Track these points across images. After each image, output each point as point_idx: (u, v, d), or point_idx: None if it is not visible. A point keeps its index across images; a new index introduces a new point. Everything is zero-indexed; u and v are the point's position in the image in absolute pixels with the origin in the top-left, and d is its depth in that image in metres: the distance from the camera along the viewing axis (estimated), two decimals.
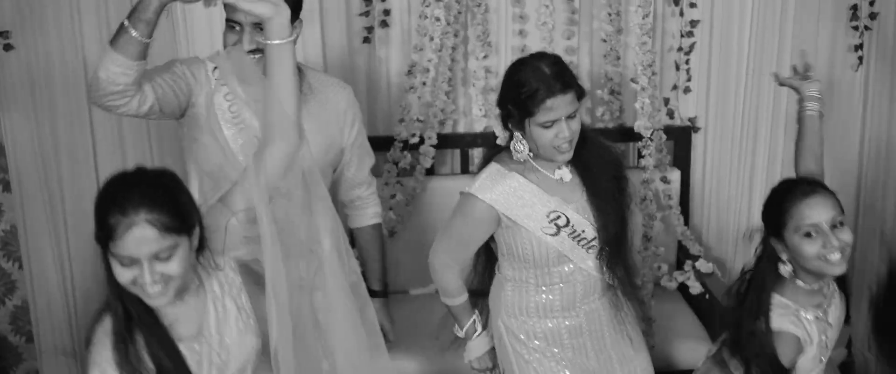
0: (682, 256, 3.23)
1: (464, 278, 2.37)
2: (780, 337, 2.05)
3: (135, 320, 1.66)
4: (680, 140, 3.27)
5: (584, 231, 2.20)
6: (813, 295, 2.10)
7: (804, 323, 2.07)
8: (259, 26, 2.13)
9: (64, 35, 3.01)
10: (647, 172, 3.08)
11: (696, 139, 3.32)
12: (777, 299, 2.08)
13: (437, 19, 3.04)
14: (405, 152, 3.17)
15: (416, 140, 3.15)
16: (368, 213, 2.64)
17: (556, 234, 2.18)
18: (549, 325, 2.27)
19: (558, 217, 2.18)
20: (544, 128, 2.08)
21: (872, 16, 3.21)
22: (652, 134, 3.06)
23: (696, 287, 3.12)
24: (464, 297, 2.36)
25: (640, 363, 2.37)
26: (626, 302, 2.31)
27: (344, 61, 3.21)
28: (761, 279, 2.10)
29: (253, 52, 2.15)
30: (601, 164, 2.23)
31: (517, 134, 2.16)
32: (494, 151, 2.30)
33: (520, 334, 2.29)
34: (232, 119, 2.26)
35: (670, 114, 3.27)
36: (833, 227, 2.00)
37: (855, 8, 3.21)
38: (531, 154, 2.18)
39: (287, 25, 1.76)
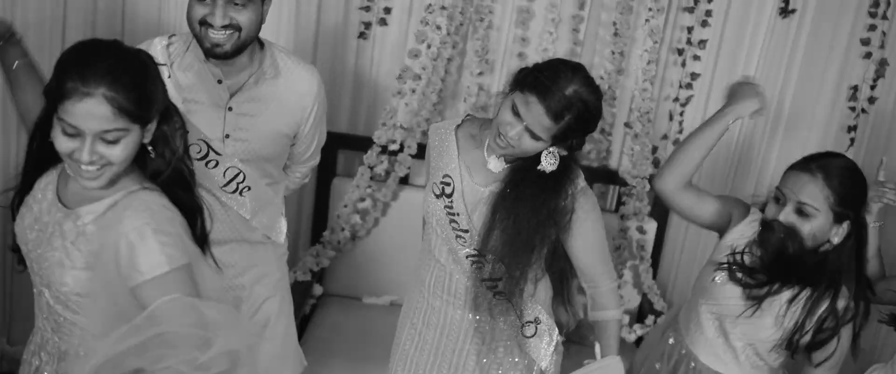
0: (646, 308, 3.17)
1: None
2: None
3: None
4: None
5: (458, 216, 2.09)
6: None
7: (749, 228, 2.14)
8: (234, 1, 2.02)
9: None
10: (625, 220, 3.02)
11: None
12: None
13: (438, 28, 2.95)
14: (382, 157, 3.07)
15: (395, 147, 3.05)
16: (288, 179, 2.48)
17: (439, 197, 2.11)
18: (412, 294, 2.25)
19: (447, 184, 2.10)
20: (512, 109, 1.94)
21: (871, 100, 3.19)
22: (636, 182, 3.00)
23: None
24: None
25: None
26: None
27: (336, 53, 3.11)
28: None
29: (225, 27, 2.05)
30: (539, 201, 2.01)
31: (504, 94, 2.04)
32: None
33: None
34: None
35: (656, 163, 3.21)
36: (799, 210, 1.99)
37: (855, 89, 3.18)
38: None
39: None
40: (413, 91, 3.02)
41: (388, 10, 3.06)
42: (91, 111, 1.48)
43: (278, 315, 2.39)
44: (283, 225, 2.38)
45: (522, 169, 2.03)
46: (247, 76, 2.17)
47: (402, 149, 3.06)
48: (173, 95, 2.10)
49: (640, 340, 3.14)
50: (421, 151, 3.07)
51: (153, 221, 1.55)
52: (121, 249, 1.53)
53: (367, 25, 3.07)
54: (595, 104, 1.93)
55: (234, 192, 2.20)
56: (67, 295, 1.62)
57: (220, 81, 2.15)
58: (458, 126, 2.14)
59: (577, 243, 2.07)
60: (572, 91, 1.89)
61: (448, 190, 2.09)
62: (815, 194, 1.97)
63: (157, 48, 2.16)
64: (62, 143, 1.52)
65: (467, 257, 2.10)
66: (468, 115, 2.21)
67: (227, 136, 2.16)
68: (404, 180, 3.14)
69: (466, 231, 2.08)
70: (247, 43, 2.10)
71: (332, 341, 2.91)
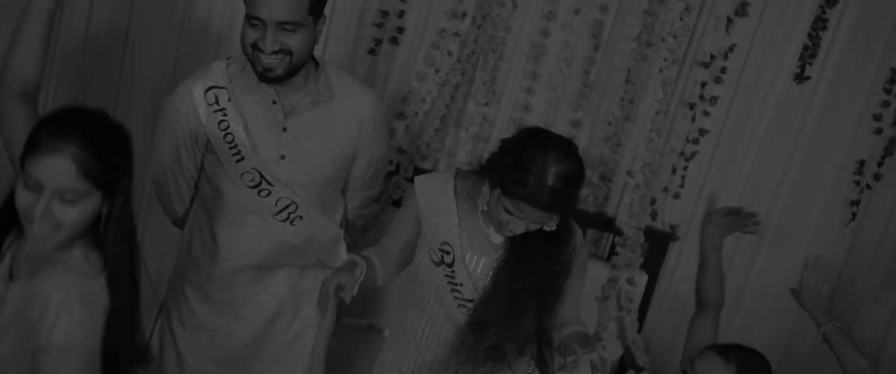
0: (627, 362, 3.10)
1: (390, 277, 2.19)
2: None
3: None
4: (655, 244, 3.15)
5: (461, 285, 2.03)
6: None
7: None
8: (284, 26, 2.00)
9: None
10: (616, 270, 2.96)
11: (672, 247, 3.21)
12: None
13: (449, 53, 2.91)
14: None
15: (391, 168, 3.00)
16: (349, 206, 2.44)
17: (438, 265, 2.04)
18: (399, 343, 2.20)
19: (447, 252, 2.03)
20: (504, 209, 1.90)
21: (877, 176, 3.15)
22: (631, 232, 2.95)
23: None
24: (368, 251, 2.16)
25: None
26: None
27: (342, 66, 3.05)
28: None
29: (276, 53, 2.02)
30: (538, 267, 2.00)
31: (488, 182, 1.98)
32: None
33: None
34: (228, 149, 2.15)
35: (653, 215, 3.16)
36: None
37: (862, 163, 3.14)
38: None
39: None
40: (416, 114, 2.97)
41: (400, 30, 3.02)
42: (56, 167, 1.46)
43: (308, 344, 2.38)
44: (343, 251, 2.34)
45: (524, 237, 1.99)
46: (302, 96, 2.15)
47: (398, 171, 3.01)
48: (235, 118, 2.13)
49: None
50: (417, 175, 3.01)
51: (77, 293, 1.51)
52: (35, 309, 1.50)
53: (378, 42, 3.02)
54: (578, 169, 1.89)
55: (285, 221, 2.20)
56: None
57: (274, 102, 2.14)
58: (454, 186, 2.06)
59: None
60: (554, 178, 1.84)
61: (448, 259, 2.03)
62: None
63: (215, 73, 2.16)
64: (22, 197, 1.50)
65: (469, 324, 2.05)
66: (459, 169, 2.14)
67: (283, 157, 2.16)
68: (397, 203, 3.08)
69: (471, 301, 2.03)
70: (299, 66, 2.08)
71: None
